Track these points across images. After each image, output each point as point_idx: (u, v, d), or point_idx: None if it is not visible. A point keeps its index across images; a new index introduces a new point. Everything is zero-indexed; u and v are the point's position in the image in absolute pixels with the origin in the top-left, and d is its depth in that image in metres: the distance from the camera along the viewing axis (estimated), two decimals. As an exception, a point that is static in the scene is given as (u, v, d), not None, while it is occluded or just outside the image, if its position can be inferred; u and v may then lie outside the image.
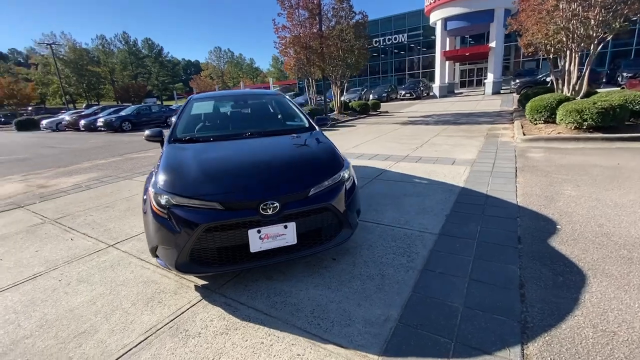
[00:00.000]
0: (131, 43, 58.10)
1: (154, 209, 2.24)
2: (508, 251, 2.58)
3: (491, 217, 3.26)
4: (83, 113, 22.08)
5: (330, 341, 1.79)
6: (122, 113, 18.93)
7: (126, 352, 1.80)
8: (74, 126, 20.58)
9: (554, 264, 2.37)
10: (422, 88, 28.96)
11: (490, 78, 24.61)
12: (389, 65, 39.01)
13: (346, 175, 2.61)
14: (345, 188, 2.55)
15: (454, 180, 4.62)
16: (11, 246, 3.35)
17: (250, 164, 2.55)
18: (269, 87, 48.46)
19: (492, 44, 24.03)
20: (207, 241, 2.13)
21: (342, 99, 17.48)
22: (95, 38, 55.30)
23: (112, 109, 20.95)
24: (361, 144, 8.25)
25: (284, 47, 13.92)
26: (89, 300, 2.31)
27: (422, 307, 2.00)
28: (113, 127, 17.70)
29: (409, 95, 28.10)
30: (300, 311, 2.05)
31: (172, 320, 2.04)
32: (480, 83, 31.44)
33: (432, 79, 32.10)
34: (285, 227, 2.21)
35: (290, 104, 4.02)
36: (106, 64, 52.97)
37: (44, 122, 22.86)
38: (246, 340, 1.83)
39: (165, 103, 47.10)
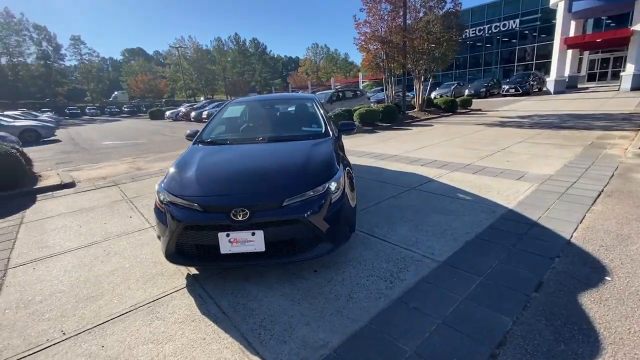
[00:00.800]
0: (241, 43, 65.40)
1: (157, 203, 2.59)
2: (514, 298, 2.13)
3: (521, 252, 2.71)
4: (195, 106, 26.05)
5: (258, 354, 1.82)
6: (222, 107, 21.65)
7: (108, 321, 2.18)
8: (186, 117, 24.47)
9: (564, 327, 1.86)
10: (532, 82, 24.85)
11: (630, 70, 19.51)
12: (494, 56, 34.57)
13: (333, 187, 2.54)
14: (331, 200, 2.49)
15: (505, 199, 3.95)
16: (92, 217, 4.30)
17: (236, 170, 2.71)
18: (358, 82, 48.35)
19: (637, 27, 18.89)
20: (187, 237, 2.38)
21: (426, 95, 16.36)
22: (213, 40, 63.93)
23: (215, 103, 24.13)
24: (423, 148, 7.66)
25: (363, 42, 13.73)
26: (111, 271, 2.84)
27: (368, 342, 1.85)
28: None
29: (513, 90, 24.45)
30: (253, 317, 2.13)
31: (153, 301, 2.36)
32: (615, 76, 25.24)
33: (548, 72, 27.20)
34: (253, 234, 2.29)
35: (315, 109, 4.03)
36: (220, 63, 60.91)
37: (167, 112, 27.84)
38: (194, 333, 2.01)
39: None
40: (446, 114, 15.58)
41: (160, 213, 2.51)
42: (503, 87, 25.64)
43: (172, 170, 2.80)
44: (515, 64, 32.70)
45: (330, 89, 27.55)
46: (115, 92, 61.00)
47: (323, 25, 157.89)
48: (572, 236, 2.93)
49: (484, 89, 25.23)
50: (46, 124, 16.89)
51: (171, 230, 2.38)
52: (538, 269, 2.44)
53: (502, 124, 10.94)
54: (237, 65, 63.35)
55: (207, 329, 2.04)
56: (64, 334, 2.09)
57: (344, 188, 2.65)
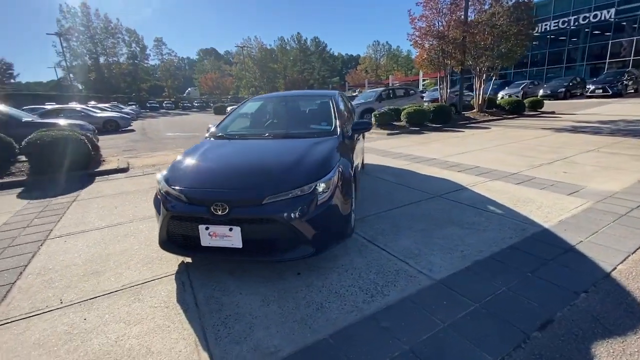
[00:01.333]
0: (302, 42, 67.05)
1: (157, 191, 2.74)
2: (507, 334, 1.80)
3: (539, 280, 2.28)
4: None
5: (209, 350, 1.80)
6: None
7: (98, 297, 2.36)
8: (244, 112, 25.91)
9: (559, 380, 1.51)
10: (626, 82, 21.22)
11: None
12: (580, 52, 30.25)
13: (320, 188, 2.41)
14: (317, 202, 2.37)
15: (544, 216, 3.39)
16: (129, 199, 4.75)
17: (227, 165, 2.72)
18: (418, 80, 46.24)
19: None
20: (174, 226, 2.47)
21: (487, 95, 14.97)
22: (277, 39, 66.58)
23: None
24: (468, 152, 7.00)
25: (418, 38, 13.02)
26: (121, 251, 3.09)
27: (319, 357, 1.71)
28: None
29: (601, 91, 21.14)
30: (220, 312, 2.12)
31: (142, 284, 2.50)
32: None
33: (650, 70, 22.95)
34: (231, 229, 2.29)
35: (330, 107, 3.87)
36: (282, 61, 63.29)
37: (228, 108, 29.77)
38: (162, 320, 2.07)
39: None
40: (510, 117, 14.06)
41: (157, 201, 2.64)
42: (588, 87, 22.33)
43: (175, 161, 2.93)
44: (607, 60, 28.17)
45: (388, 87, 26.77)
46: (189, 89, 67.13)
47: (385, 23, 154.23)
48: (615, 268, 2.39)
49: (563, 89, 22.21)
50: (125, 115, 19.27)
51: (162, 219, 2.49)
52: (553, 304, 2.03)
53: (574, 130, 9.50)
54: (297, 64, 65.15)
55: (175, 318, 2.09)
56: (61, 302, 2.32)
57: (335, 190, 2.51)
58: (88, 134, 7.79)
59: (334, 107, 3.81)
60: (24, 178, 5.99)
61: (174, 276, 2.59)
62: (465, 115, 13.98)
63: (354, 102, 14.63)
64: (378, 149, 8.12)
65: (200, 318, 2.08)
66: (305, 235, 2.33)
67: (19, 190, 5.55)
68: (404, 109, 12.06)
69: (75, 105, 19.26)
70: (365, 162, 6.43)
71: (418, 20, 12.96)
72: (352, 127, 3.66)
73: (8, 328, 2.07)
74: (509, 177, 4.95)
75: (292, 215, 2.28)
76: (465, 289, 2.23)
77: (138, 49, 52.59)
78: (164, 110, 48.37)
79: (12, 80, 55.02)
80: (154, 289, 2.43)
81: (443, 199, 4.12)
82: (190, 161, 2.82)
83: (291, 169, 2.53)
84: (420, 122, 11.79)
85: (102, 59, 49.12)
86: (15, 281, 2.61)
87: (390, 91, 15.52)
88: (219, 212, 2.29)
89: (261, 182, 2.43)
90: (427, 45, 12.93)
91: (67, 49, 44.64)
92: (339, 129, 3.39)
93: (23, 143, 6.18)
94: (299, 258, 2.38)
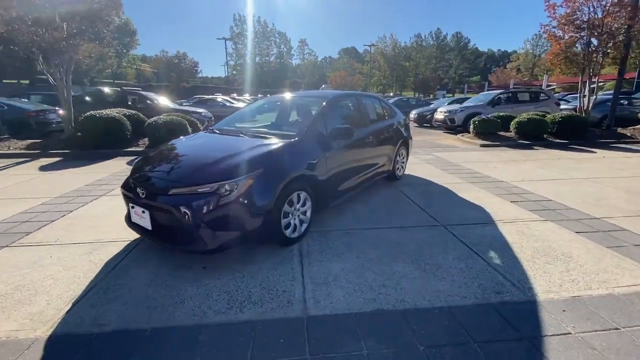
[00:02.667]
0: (441, 38, 62.30)
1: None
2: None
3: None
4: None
5: (71, 310, 2.15)
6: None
7: (75, 243, 3.07)
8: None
9: None
10: None
11: None
12: None
13: (224, 189, 2.43)
14: (218, 201, 2.41)
15: (557, 285, 2.37)
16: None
17: (173, 155, 2.97)
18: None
19: None
20: (126, 203, 2.94)
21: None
22: (413, 37, 63.91)
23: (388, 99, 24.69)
24: (558, 180, 5.30)
25: (555, 29, 10.27)
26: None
27: (130, 340, 1.81)
28: (374, 114, 21.12)
29: None
30: (117, 278, 2.46)
31: (105, 242, 3.09)
32: None
33: None
34: (144, 212, 2.58)
35: (316, 111, 3.63)
36: (414, 59, 60.64)
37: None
38: (76, 271, 2.55)
39: (456, 95, 47.61)
40: None
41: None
42: None
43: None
44: None
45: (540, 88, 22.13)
46: (323, 85, 72.70)
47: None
48: None
49: None
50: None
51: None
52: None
53: None
54: (432, 62, 61.19)
55: (88, 273, 2.54)
56: (55, 241, 3.13)
57: (245, 193, 2.46)
58: (199, 120, 9.65)
59: (319, 112, 3.58)
60: (142, 149, 7.99)
61: (126, 243, 3.08)
62: (620, 132, 10.36)
63: (463, 105, 12.92)
64: (444, 159, 7.05)
65: (98, 277, 2.47)
66: (200, 231, 2.40)
67: (132, 158, 7.46)
68: (521, 117, 9.85)
69: (218, 96, 23.74)
70: (411, 173, 5.76)
71: (560, 6, 10.19)
72: (330, 132, 3.39)
73: (20, 250, 2.97)
74: (578, 221, 3.56)
75: (189, 209, 2.39)
76: (323, 335, 1.87)
77: (285, 49, 60.35)
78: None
79: (198, 75, 72.30)
80: (104, 248, 2.97)
81: (445, 229, 3.35)
82: (156, 150, 3.26)
83: (206, 166, 2.62)
84: (537, 135, 9.44)
85: (257, 59, 58.74)
86: (53, 220, 3.65)
87: (510, 94, 12.88)
88: (141, 196, 2.61)
89: (178, 174, 2.62)
90: (566, 38, 10.06)
91: (235, 50, 55.46)
92: (301, 134, 3.20)
93: (145, 123, 8.22)
94: (194, 251, 2.49)
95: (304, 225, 3.11)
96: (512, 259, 2.75)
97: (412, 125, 15.97)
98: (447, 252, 2.87)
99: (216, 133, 3.70)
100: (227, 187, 2.44)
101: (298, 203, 2.98)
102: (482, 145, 9.00)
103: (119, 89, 12.99)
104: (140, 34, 47.37)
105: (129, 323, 1.99)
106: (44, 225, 3.50)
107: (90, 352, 1.77)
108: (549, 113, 10.71)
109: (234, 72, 54.86)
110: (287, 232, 2.89)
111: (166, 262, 2.70)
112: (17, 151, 7.80)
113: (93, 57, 30.50)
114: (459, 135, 10.76)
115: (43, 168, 6.40)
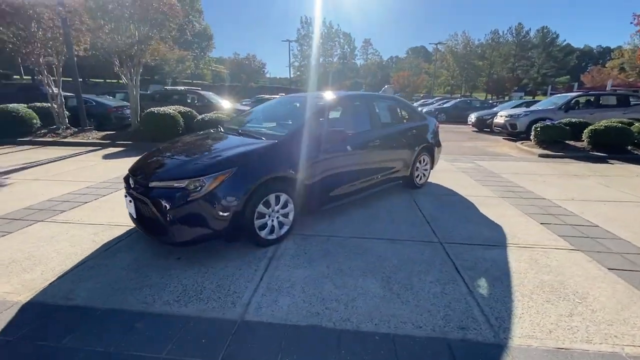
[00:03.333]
0: (522, 34, 55.90)
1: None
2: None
3: None
4: (427, 102, 26.16)
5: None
6: (445, 105, 20.55)
7: (90, 224, 3.49)
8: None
9: None
10: None
11: None
12: None
13: (192, 186, 2.53)
14: (186, 197, 2.51)
15: (537, 330, 1.97)
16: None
17: (168, 152, 3.14)
18: None
19: None
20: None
21: None
22: (489, 33, 58.35)
23: (444, 101, 23.14)
24: (623, 203, 4.36)
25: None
26: (145, 202, 4.24)
27: (50, 312, 2.00)
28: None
29: None
30: (111, 255, 2.73)
31: (115, 225, 3.45)
32: None
33: None
34: (130, 201, 2.81)
35: (303, 113, 3.56)
36: (489, 58, 55.54)
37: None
38: (82, 249, 2.89)
39: (537, 98, 42.30)
40: None
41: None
42: None
43: (168, 144, 3.71)
44: None
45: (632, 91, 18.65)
46: (385, 86, 70.95)
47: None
48: None
49: None
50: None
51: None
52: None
53: None
54: (509, 60, 55.43)
55: (80, 251, 2.86)
56: (78, 220, 3.60)
57: (212, 191, 2.53)
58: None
59: (311, 114, 3.48)
60: (189, 144, 8.73)
61: (127, 229, 3.39)
62: None
63: (529, 108, 11.48)
64: (486, 169, 6.32)
65: (91, 256, 2.76)
66: (170, 223, 2.53)
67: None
68: (597, 124, 8.36)
69: (277, 95, 24.64)
70: (438, 182, 5.32)
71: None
72: (320, 136, 3.28)
73: (48, 225, 3.48)
74: (620, 255, 2.90)
75: (161, 202, 2.54)
76: (245, 342, 1.82)
77: (349, 50, 60.41)
78: (357, 105, 53.72)
79: (267, 76, 76.49)
80: (111, 232, 3.32)
81: (441, 247, 3.01)
82: (160, 145, 3.52)
83: (185, 163, 2.76)
84: (617, 146, 7.93)
85: (321, 59, 59.86)
86: (86, 202, 4.20)
87: (592, 98, 10.98)
88: (130, 186, 2.86)
89: (160, 169, 2.79)
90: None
91: (300, 51, 57.34)
92: (284, 137, 3.15)
93: (195, 120, 8.97)
94: (165, 242, 2.63)
95: (285, 228, 3.08)
96: (504, 290, 2.35)
97: (469, 129, 14.73)
98: (429, 273, 2.58)
99: (221, 132, 3.86)
100: (196, 183, 2.53)
101: (277, 205, 2.96)
102: (541, 155, 7.86)
103: (181, 88, 14.39)
104: (216, 37, 51.82)
105: (89, 301, 2.19)
106: (77, 206, 4.04)
107: (47, 321, 1.99)
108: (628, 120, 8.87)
109: (298, 72, 56.68)
110: (263, 233, 2.89)
111: (150, 250, 2.91)
112: (94, 140, 9.15)
113: (174, 60, 34.33)
114: (518, 143, 9.56)
115: (106, 156, 7.41)
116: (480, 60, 56.26)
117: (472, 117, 14.81)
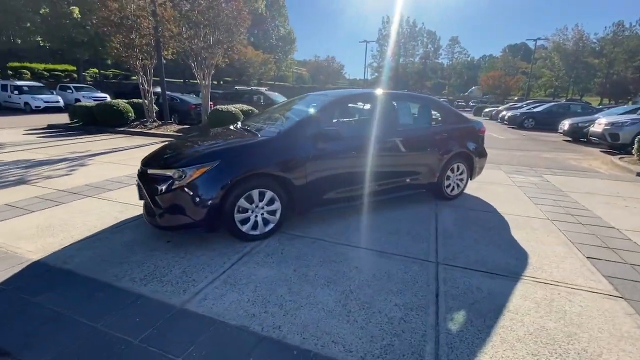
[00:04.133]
0: (661, 24, 44.74)
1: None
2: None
3: None
4: (514, 106, 23.06)
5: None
6: (536, 109, 17.83)
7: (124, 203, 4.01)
8: (495, 118, 22.49)
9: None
10: None
11: None
12: None
13: (177, 176, 2.70)
14: (170, 185, 2.70)
15: None
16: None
17: (179, 144, 3.37)
18: None
19: None
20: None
21: None
22: (610, 25, 48.18)
23: (536, 104, 20.05)
24: None
25: None
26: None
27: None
28: (516, 122, 17.53)
29: None
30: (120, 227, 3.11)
31: (134, 205, 3.90)
32: None
33: None
34: (137, 184, 3.13)
35: (305, 112, 3.42)
36: (607, 55, 46.16)
37: (485, 110, 26.78)
38: (104, 220, 3.35)
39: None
40: None
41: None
42: None
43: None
44: None
45: None
46: (473, 87, 64.96)
47: None
48: None
49: None
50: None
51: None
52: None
53: None
54: (636, 58, 45.19)
55: (100, 224, 3.29)
56: (115, 199, 4.17)
57: (191, 182, 2.66)
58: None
59: (309, 113, 3.36)
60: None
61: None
62: None
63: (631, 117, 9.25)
64: (552, 186, 5.27)
65: (104, 230, 3.17)
66: (155, 208, 2.75)
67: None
68: None
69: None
70: (478, 195, 4.68)
71: None
72: (315, 135, 3.14)
73: (94, 200, 4.12)
74: (693, 315, 2.11)
75: (150, 188, 2.78)
76: (172, 328, 1.87)
77: (432, 48, 56.96)
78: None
79: (346, 77, 77.30)
80: (132, 211, 3.76)
81: (434, 269, 2.62)
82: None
83: (180, 154, 2.96)
84: None
85: (401, 59, 57.83)
86: (130, 184, 4.83)
87: None
88: (138, 174, 3.19)
89: (160, 158, 3.03)
90: None
91: (379, 52, 56.38)
92: (275, 135, 3.13)
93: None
94: (153, 225, 2.86)
95: (270, 225, 3.06)
96: (480, 331, 1.93)
97: (559, 139, 12.56)
98: (400, 295, 2.27)
99: (233, 128, 4.03)
100: (180, 173, 2.70)
101: (261, 201, 2.96)
102: (641, 175, 6.23)
103: (249, 88, 15.54)
104: (298, 40, 54.41)
105: (77, 267, 2.51)
106: (123, 187, 4.68)
107: (38, 279, 2.36)
108: None
109: (376, 73, 55.84)
110: (245, 228, 2.92)
111: (150, 231, 3.20)
112: (170, 132, 10.50)
113: (258, 63, 37.21)
114: (615, 157, 7.75)
115: (172, 146, 8.43)
116: (596, 58, 47.17)
117: (565, 125, 12.51)
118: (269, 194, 2.97)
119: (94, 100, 16.63)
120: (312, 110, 3.44)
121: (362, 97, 3.99)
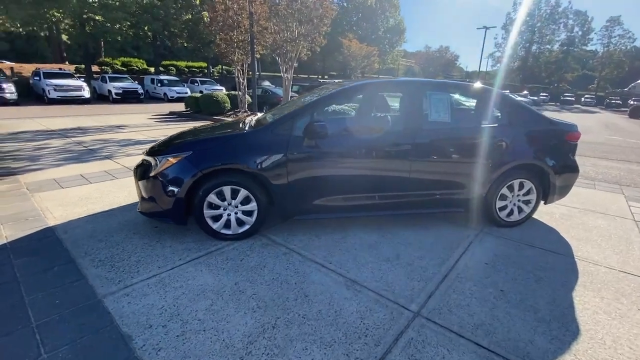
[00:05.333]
0: None
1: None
2: None
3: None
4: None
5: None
6: None
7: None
8: None
9: None
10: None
11: None
12: None
13: (154, 163, 2.70)
14: (148, 173, 2.73)
15: None
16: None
17: (181, 134, 3.38)
18: None
19: None
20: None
21: None
22: None
23: None
24: None
25: None
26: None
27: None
28: None
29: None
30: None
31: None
32: None
33: None
34: (141, 169, 3.30)
35: (299, 105, 2.88)
36: None
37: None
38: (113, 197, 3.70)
39: None
40: None
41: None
42: None
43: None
44: None
45: None
46: (638, 81, 49.74)
47: None
48: None
49: None
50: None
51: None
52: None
53: None
54: None
55: (123, 202, 3.62)
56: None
57: (161, 171, 2.62)
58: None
59: (301, 106, 2.87)
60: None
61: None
62: None
63: None
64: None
65: (119, 207, 3.48)
66: (141, 194, 2.82)
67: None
68: None
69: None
70: (554, 224, 3.40)
71: None
72: (301, 131, 2.67)
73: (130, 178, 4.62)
74: None
75: (136, 173, 2.88)
76: (83, 314, 1.82)
77: (580, 33, 45.64)
78: (578, 106, 40.71)
79: (463, 68, 69.95)
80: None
81: (405, 320, 1.92)
82: None
83: (166, 144, 2.91)
84: None
85: (534, 47, 48.44)
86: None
87: None
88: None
89: (153, 147, 3.08)
90: None
91: (504, 39, 48.52)
92: (256, 129, 2.80)
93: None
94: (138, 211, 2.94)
95: (245, 227, 2.80)
96: None
97: None
98: (327, 349, 1.70)
99: (251, 119, 3.86)
100: (155, 162, 2.69)
101: (235, 199, 2.71)
102: None
103: (333, 81, 15.37)
104: (408, 30, 51.55)
105: (68, 238, 2.77)
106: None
107: (38, 244, 2.69)
108: None
109: (498, 64, 48.55)
110: (216, 226, 2.74)
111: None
112: (253, 122, 11.29)
113: (361, 56, 36.85)
114: None
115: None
116: None
117: None
118: (243, 192, 2.70)
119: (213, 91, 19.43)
120: (301, 104, 3.00)
121: (378, 88, 3.28)
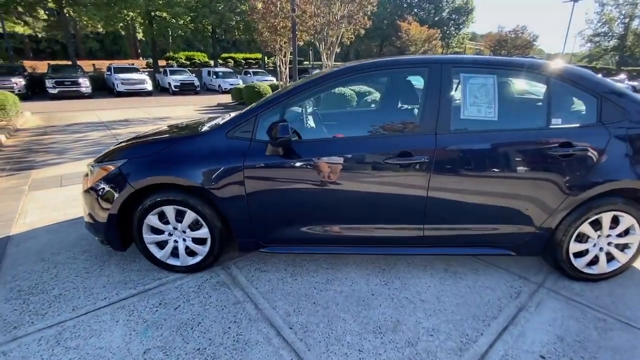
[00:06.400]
0: None
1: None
2: None
3: None
4: None
5: (50, 225, 2.93)
6: None
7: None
8: None
9: None
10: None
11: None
12: None
13: (88, 172, 2.18)
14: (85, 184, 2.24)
15: None
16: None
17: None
18: None
19: None
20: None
21: None
22: None
23: None
24: None
25: None
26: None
27: None
28: None
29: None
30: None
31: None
32: None
33: None
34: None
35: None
36: None
37: None
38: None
39: None
40: None
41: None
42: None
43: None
44: None
45: None
46: None
47: None
48: None
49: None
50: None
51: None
52: None
53: None
54: None
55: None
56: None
57: (96, 181, 2.09)
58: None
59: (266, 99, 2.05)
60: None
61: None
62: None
63: None
64: None
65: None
66: (84, 207, 2.36)
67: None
68: None
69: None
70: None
71: None
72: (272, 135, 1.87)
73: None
74: None
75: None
76: None
77: None
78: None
79: (542, 50, 61.13)
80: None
81: None
82: None
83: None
84: None
85: (635, 23, 39.73)
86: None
87: None
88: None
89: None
90: None
91: (600, 14, 40.58)
92: (205, 130, 2.07)
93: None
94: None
95: (197, 258, 2.16)
96: None
97: None
98: None
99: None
100: (89, 170, 2.17)
101: (181, 223, 2.08)
102: None
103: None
104: (477, 10, 46.32)
105: (15, 252, 2.44)
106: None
107: (27, 242, 2.51)
108: None
109: (589, 44, 41.03)
110: (160, 254, 2.15)
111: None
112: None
113: (421, 40, 34.07)
114: None
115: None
116: None
117: None
118: (190, 215, 2.05)
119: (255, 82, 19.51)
120: (264, 100, 2.19)
121: (388, 69, 2.30)
